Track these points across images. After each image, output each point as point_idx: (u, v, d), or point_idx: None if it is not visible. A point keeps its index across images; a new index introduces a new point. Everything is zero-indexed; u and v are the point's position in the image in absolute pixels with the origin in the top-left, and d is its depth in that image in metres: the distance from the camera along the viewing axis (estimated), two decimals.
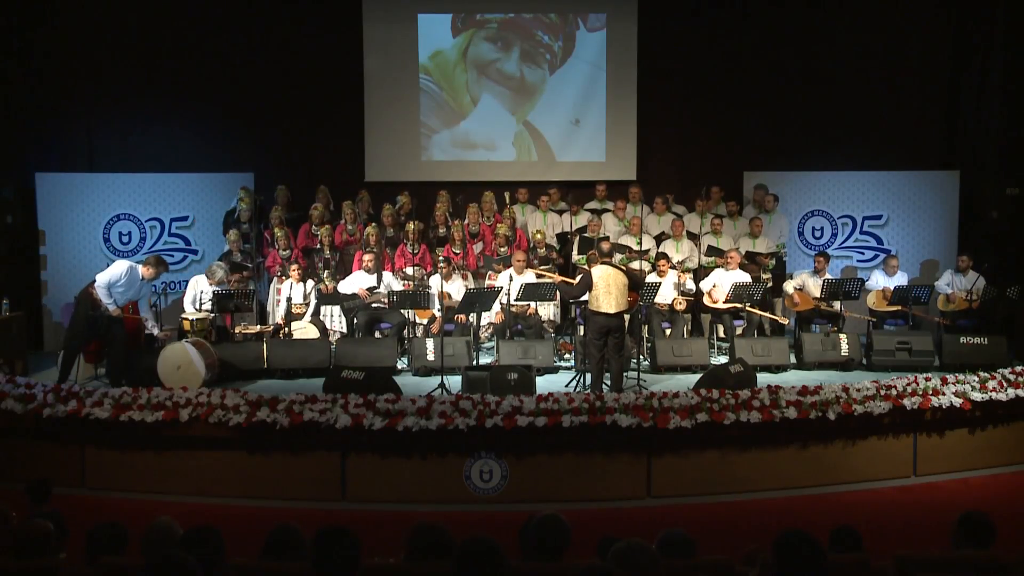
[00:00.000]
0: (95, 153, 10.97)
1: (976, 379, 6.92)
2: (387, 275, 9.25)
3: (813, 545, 3.01)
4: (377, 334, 9.06)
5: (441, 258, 9.33)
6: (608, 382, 7.56)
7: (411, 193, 10.32)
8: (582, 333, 8.26)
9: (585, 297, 7.63)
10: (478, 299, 8.47)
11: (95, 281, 7.91)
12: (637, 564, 2.96)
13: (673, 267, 9.41)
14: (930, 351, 8.62)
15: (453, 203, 10.46)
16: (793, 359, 8.90)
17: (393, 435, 6.19)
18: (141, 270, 7.98)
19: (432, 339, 8.56)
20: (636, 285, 7.82)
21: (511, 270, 9.14)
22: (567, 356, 9.08)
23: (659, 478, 6.33)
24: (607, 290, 7.40)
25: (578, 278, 7.96)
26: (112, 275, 7.87)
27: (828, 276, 9.43)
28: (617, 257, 9.72)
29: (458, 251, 9.69)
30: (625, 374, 7.79)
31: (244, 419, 6.25)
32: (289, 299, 8.97)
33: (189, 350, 7.74)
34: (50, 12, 10.66)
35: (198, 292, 8.82)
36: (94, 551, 3.50)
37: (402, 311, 9.00)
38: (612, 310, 7.40)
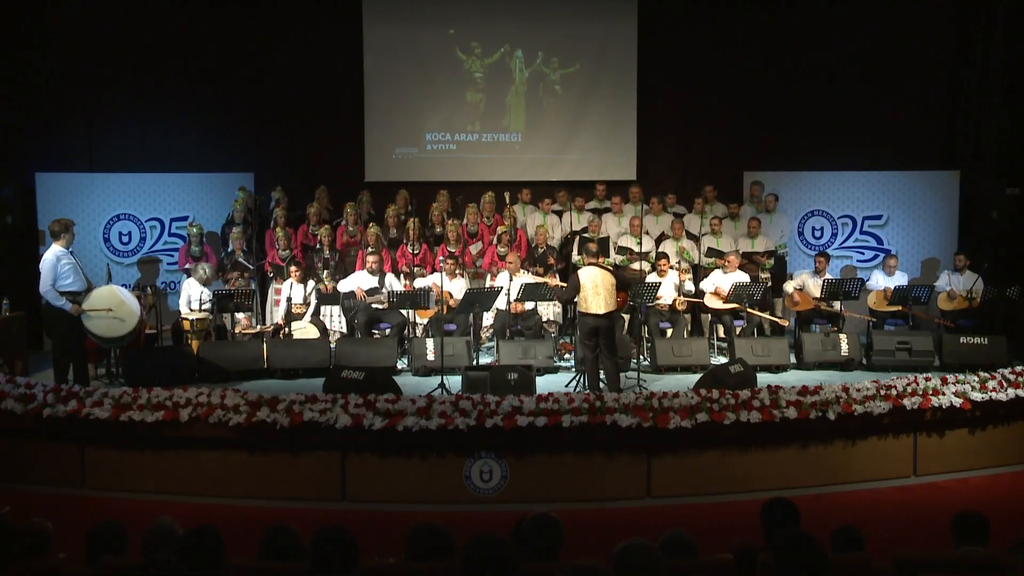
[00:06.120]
0: (95, 153, 10.97)
1: (976, 379, 6.91)
2: (389, 276, 9.25)
3: (813, 544, 3.01)
4: (377, 334, 9.06)
5: (441, 257, 9.34)
6: (604, 381, 7.57)
7: (411, 193, 10.32)
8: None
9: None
10: (478, 299, 8.47)
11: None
12: (640, 565, 2.95)
13: (673, 267, 9.41)
14: (930, 351, 8.62)
15: (453, 203, 10.47)
16: (793, 359, 8.90)
17: (393, 435, 6.19)
18: (57, 246, 7.51)
19: (432, 339, 8.56)
20: (624, 285, 7.86)
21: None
22: (567, 356, 9.08)
23: (659, 478, 6.32)
24: (595, 291, 7.43)
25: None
26: (46, 276, 7.39)
27: (828, 276, 9.44)
28: (618, 259, 9.75)
29: (453, 249, 9.69)
30: (624, 374, 7.79)
31: (244, 419, 6.25)
32: (289, 299, 8.97)
33: (119, 291, 7.60)
34: (50, 12, 10.66)
35: (191, 294, 8.87)
36: (94, 551, 3.50)
37: (402, 311, 9.00)
38: (600, 310, 7.43)
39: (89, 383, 7.56)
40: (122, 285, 9.96)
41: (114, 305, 7.53)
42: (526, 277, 9.16)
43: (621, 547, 2.96)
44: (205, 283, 8.90)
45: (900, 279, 9.63)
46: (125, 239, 10.48)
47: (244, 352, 8.47)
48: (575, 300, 7.72)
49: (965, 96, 11.17)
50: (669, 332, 9.11)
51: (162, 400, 6.44)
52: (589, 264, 7.73)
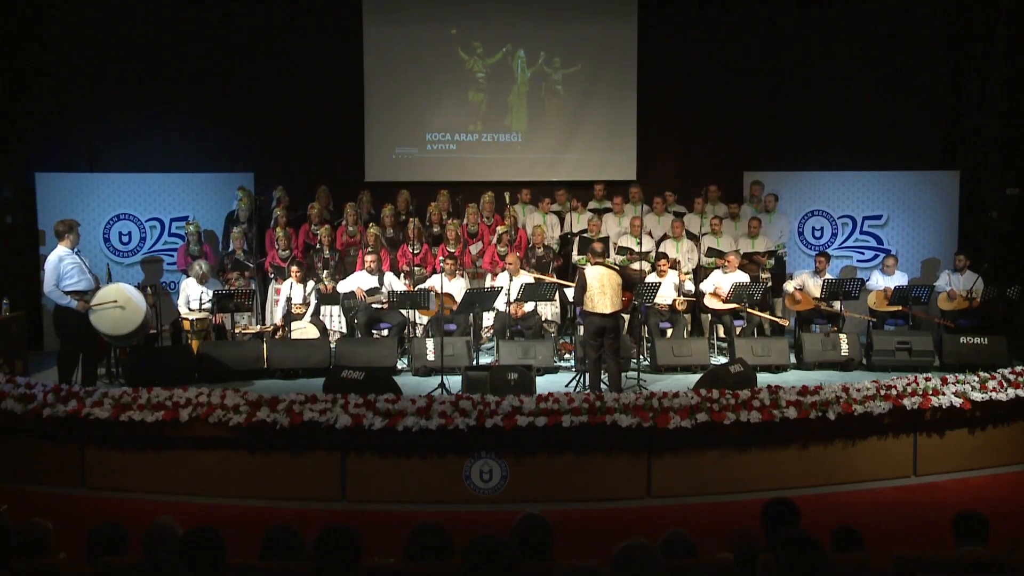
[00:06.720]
0: (95, 153, 10.97)
1: (976, 379, 6.91)
2: (389, 275, 9.25)
3: (813, 544, 3.01)
4: (376, 334, 9.06)
5: (441, 258, 9.34)
6: (606, 381, 7.57)
7: (411, 193, 10.33)
8: (582, 333, 8.27)
9: None
10: (478, 299, 8.47)
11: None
12: (640, 565, 2.95)
13: (673, 267, 9.41)
14: (930, 351, 8.62)
15: (453, 203, 10.47)
16: (793, 359, 8.90)
17: (393, 435, 6.19)
18: (62, 246, 7.56)
19: (432, 339, 8.56)
20: (630, 284, 7.84)
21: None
22: (567, 356, 9.08)
23: (659, 478, 6.32)
24: (601, 290, 7.42)
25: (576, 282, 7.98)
26: (50, 277, 7.44)
27: (828, 276, 9.44)
28: (618, 259, 9.74)
29: (452, 249, 9.69)
30: (625, 374, 7.79)
31: (244, 419, 6.25)
32: (289, 299, 8.97)
33: (125, 288, 7.62)
34: (50, 13, 10.66)
35: (189, 293, 8.88)
36: (94, 551, 3.50)
37: (402, 311, 9.00)
38: (607, 310, 7.42)
39: (95, 383, 7.56)
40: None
41: (120, 300, 7.53)
42: (526, 277, 9.16)
43: (621, 547, 2.96)
44: (201, 280, 8.90)
45: (900, 279, 9.63)
46: (125, 239, 10.49)
47: (244, 352, 8.47)
48: (582, 302, 7.71)
49: (965, 96, 11.17)
50: (669, 332, 9.11)
51: (162, 400, 6.44)
52: (595, 263, 7.70)
